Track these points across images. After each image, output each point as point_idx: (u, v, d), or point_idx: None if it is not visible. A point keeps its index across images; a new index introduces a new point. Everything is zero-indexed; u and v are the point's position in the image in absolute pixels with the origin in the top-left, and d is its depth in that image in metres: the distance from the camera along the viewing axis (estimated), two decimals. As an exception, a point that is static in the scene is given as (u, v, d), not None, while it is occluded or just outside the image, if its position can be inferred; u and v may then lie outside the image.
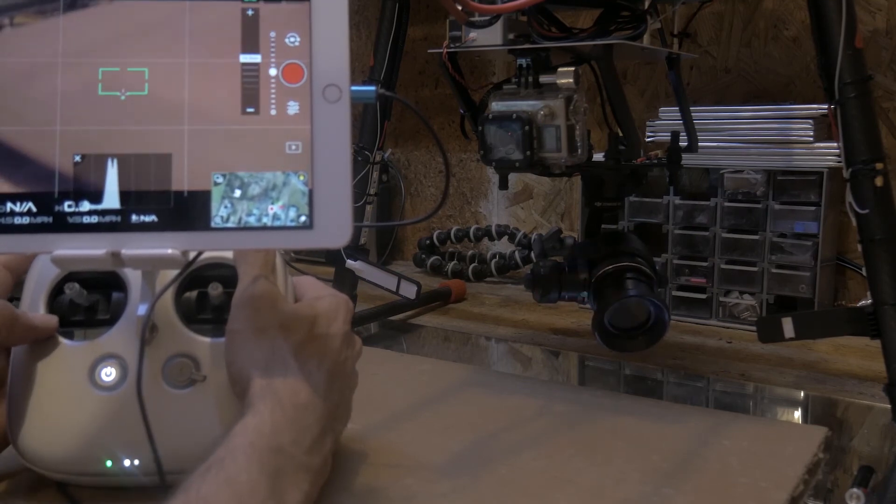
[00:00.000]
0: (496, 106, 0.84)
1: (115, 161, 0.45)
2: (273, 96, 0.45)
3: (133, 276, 0.61)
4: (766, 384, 0.94)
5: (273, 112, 0.45)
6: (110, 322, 0.60)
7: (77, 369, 0.58)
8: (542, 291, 0.89)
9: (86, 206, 0.44)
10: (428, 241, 1.66)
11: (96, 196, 0.44)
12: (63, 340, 0.59)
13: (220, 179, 0.45)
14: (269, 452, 0.49)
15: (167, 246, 0.44)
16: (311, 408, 0.53)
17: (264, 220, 0.45)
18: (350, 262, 1.06)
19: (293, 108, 0.45)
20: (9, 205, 0.44)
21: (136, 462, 0.57)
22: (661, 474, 0.65)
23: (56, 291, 0.60)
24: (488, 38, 0.85)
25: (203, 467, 0.47)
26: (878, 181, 0.76)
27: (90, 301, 0.60)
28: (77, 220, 0.44)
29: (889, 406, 0.76)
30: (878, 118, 0.78)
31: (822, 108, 1.14)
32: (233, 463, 0.47)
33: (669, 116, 1.26)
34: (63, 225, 0.44)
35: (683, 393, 0.94)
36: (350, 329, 0.59)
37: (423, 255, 1.65)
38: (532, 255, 1.51)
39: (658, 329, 0.84)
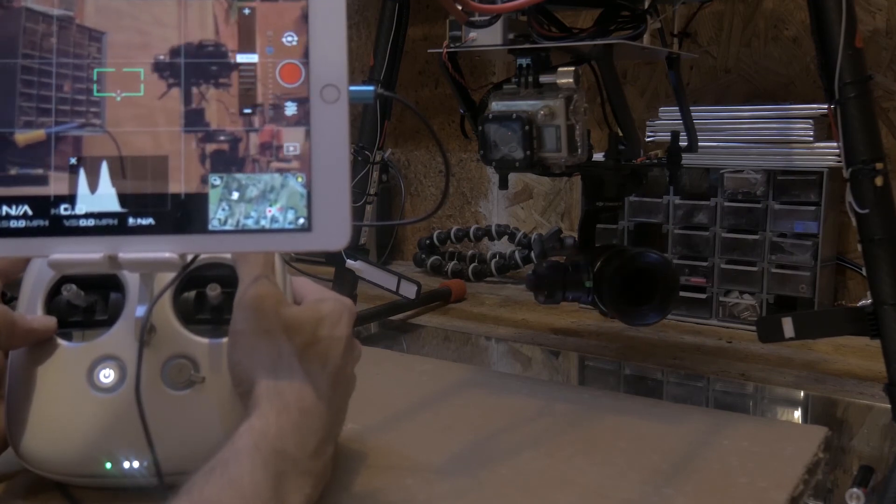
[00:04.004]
0: (496, 106, 0.84)
1: (112, 163, 0.45)
2: (270, 97, 0.45)
3: (131, 277, 0.60)
4: (766, 384, 0.94)
5: (270, 113, 0.45)
6: (108, 323, 0.60)
7: (76, 371, 0.58)
8: (547, 293, 0.89)
9: (82, 209, 0.44)
10: (428, 241, 1.66)
11: (93, 199, 0.44)
12: (61, 342, 0.59)
13: (218, 181, 0.45)
14: (273, 455, 0.49)
15: (165, 249, 0.44)
16: (315, 412, 0.53)
17: (262, 222, 0.45)
18: (350, 262, 1.06)
19: (291, 108, 0.45)
20: (4, 208, 0.44)
21: (136, 463, 0.57)
22: (661, 474, 0.64)
23: (53, 293, 0.60)
24: (488, 38, 0.85)
25: (206, 468, 0.47)
26: (878, 181, 0.76)
27: (88, 302, 0.60)
28: (73, 223, 0.44)
29: (889, 406, 0.75)
30: (878, 118, 0.78)
31: (822, 108, 1.14)
32: (236, 464, 0.47)
33: (669, 116, 1.26)
34: (59, 228, 0.44)
35: (683, 393, 0.94)
36: (352, 333, 0.59)
37: (423, 255, 1.65)
38: (532, 255, 1.51)
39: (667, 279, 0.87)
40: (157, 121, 0.45)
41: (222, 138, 0.45)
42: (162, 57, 0.45)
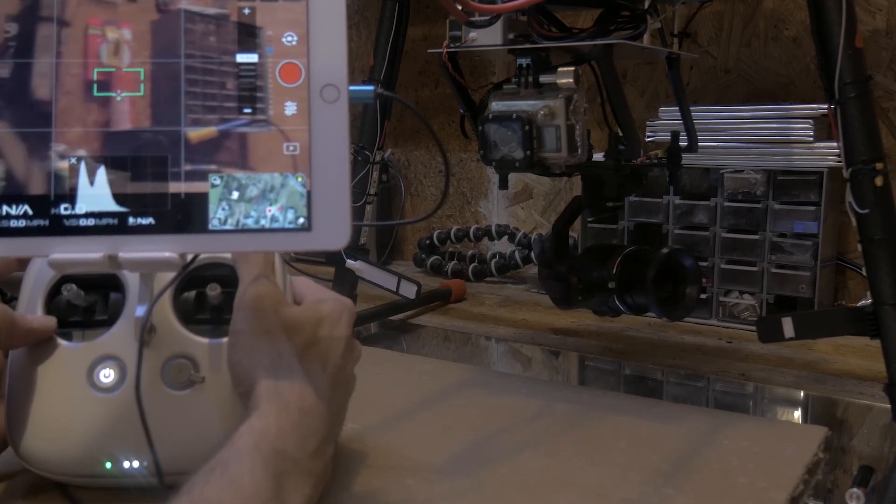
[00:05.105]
0: (496, 106, 0.84)
1: (112, 163, 0.45)
2: (270, 96, 0.45)
3: (131, 276, 0.60)
4: (766, 384, 0.94)
5: (270, 112, 0.45)
6: (108, 323, 0.60)
7: (76, 371, 0.58)
8: (582, 298, 0.89)
9: (82, 208, 0.44)
10: (428, 241, 1.66)
11: (93, 199, 0.44)
12: (61, 342, 0.59)
13: (218, 181, 0.45)
14: (274, 455, 0.49)
15: (165, 249, 0.44)
16: (315, 413, 0.53)
17: (262, 221, 0.45)
18: (350, 262, 1.06)
19: (291, 108, 0.45)
20: (4, 208, 0.44)
21: (136, 463, 0.57)
22: (661, 474, 0.64)
23: (53, 292, 0.60)
24: (488, 38, 0.85)
25: (206, 468, 0.47)
26: (878, 181, 0.76)
27: (88, 302, 0.60)
28: (73, 222, 0.44)
29: (889, 406, 0.76)
30: (878, 118, 0.78)
31: (822, 108, 1.14)
32: (237, 465, 0.47)
33: (669, 116, 1.26)
34: (59, 228, 0.44)
35: (683, 393, 0.94)
36: (352, 333, 0.59)
37: (423, 255, 1.65)
38: (532, 255, 1.51)
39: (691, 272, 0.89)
40: (157, 117, 0.45)
41: None
42: None
